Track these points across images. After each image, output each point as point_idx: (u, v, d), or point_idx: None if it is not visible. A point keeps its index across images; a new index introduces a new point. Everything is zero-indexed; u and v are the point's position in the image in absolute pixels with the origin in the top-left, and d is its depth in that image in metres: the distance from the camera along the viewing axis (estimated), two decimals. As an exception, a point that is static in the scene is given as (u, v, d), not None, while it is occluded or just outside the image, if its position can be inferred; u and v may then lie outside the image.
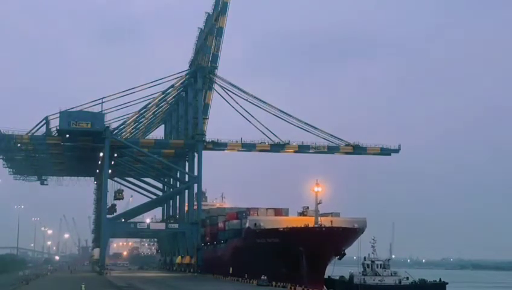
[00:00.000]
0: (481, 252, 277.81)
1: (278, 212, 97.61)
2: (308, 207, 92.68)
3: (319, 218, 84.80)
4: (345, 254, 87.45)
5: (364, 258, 78.78)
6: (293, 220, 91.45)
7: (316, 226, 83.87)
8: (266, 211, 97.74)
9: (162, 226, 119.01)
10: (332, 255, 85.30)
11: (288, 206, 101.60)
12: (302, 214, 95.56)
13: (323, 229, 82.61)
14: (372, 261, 77.10)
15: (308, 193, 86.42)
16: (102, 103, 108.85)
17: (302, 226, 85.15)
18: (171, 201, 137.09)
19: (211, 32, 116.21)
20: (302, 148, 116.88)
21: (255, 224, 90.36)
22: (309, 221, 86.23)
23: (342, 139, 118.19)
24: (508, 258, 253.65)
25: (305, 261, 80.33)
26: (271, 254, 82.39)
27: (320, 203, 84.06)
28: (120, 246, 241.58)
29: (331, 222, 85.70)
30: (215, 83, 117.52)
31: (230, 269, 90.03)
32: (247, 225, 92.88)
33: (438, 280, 79.61)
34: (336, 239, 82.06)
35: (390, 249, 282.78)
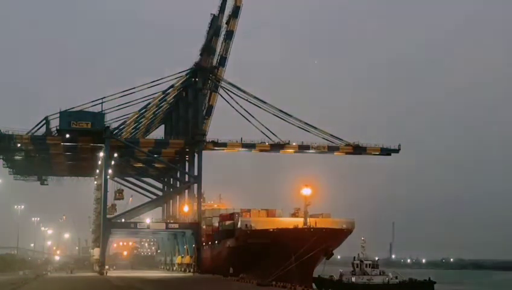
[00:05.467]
0: (482, 252, 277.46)
1: (270, 213, 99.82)
2: (299, 208, 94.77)
3: (308, 219, 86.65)
4: (332, 254, 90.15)
5: (354, 258, 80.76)
6: (283, 221, 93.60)
7: (305, 227, 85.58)
8: (258, 212, 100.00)
9: (162, 226, 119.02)
10: (320, 255, 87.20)
11: (286, 207, 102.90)
12: (294, 215, 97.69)
13: (311, 230, 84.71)
14: (361, 261, 79.18)
15: (299, 195, 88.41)
16: (102, 103, 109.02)
17: (292, 227, 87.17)
18: (171, 201, 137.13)
19: (216, 34, 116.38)
20: (302, 148, 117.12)
21: (246, 225, 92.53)
22: (299, 222, 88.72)
23: (342, 139, 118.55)
24: (509, 258, 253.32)
25: (294, 261, 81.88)
26: (261, 254, 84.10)
27: (309, 205, 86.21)
28: (120, 246, 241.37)
29: (315, 222, 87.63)
30: (218, 84, 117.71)
31: (231, 269, 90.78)
32: (239, 225, 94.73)
33: (427, 279, 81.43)
34: (324, 240, 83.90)
35: (390, 249, 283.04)
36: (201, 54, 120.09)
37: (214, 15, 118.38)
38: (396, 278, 79.53)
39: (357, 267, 79.33)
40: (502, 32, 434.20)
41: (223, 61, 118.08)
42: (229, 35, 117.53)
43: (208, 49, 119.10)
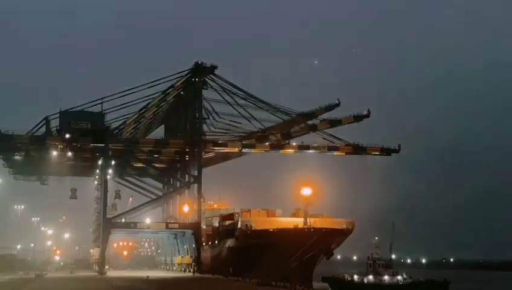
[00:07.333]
0: (481, 252, 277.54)
1: (270, 213, 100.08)
2: (299, 208, 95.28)
3: (308, 219, 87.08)
4: (332, 254, 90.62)
5: (368, 257, 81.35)
6: (283, 221, 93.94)
7: (305, 227, 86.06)
8: (258, 212, 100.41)
9: (162, 226, 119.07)
10: (320, 255, 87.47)
11: (286, 207, 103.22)
12: (294, 215, 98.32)
13: (311, 230, 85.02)
14: (374, 261, 79.56)
15: (299, 195, 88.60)
16: (102, 103, 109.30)
17: (292, 227, 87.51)
18: (171, 201, 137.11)
19: None
20: (302, 148, 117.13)
21: (246, 225, 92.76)
22: (299, 222, 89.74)
23: (342, 139, 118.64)
24: (509, 258, 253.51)
25: (294, 261, 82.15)
26: (262, 254, 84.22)
27: (309, 205, 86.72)
28: (120, 246, 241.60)
29: (313, 222, 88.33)
30: (216, 82, 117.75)
31: (230, 269, 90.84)
32: (239, 225, 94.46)
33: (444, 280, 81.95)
34: (324, 239, 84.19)
35: (390, 249, 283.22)
36: None
37: None
38: (410, 278, 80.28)
39: (370, 267, 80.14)
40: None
41: None
42: None
43: None
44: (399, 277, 78.80)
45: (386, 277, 78.13)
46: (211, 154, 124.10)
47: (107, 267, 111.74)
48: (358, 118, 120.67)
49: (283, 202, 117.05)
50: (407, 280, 79.28)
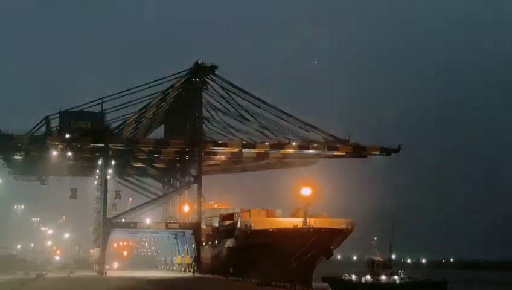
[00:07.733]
0: (481, 253, 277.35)
1: (269, 213, 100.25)
2: (299, 208, 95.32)
3: (308, 219, 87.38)
4: (332, 254, 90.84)
5: (367, 258, 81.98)
6: (283, 221, 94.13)
7: (305, 227, 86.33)
8: (258, 212, 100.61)
9: (162, 226, 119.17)
10: (320, 255, 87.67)
11: (286, 207, 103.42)
12: (294, 215, 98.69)
13: (311, 230, 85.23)
14: (373, 261, 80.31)
15: (299, 195, 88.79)
16: (102, 102, 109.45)
17: (292, 227, 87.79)
18: (171, 201, 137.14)
19: None
20: (302, 148, 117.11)
21: (246, 225, 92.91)
22: (299, 222, 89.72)
23: (342, 139, 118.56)
24: (509, 258, 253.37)
25: (294, 261, 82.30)
26: (261, 254, 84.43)
27: (308, 205, 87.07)
28: (120, 246, 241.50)
29: (313, 222, 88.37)
30: (215, 82, 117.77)
31: (231, 269, 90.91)
32: (239, 225, 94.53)
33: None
34: (323, 239, 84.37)
35: (391, 250, 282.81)
36: None
37: None
38: (409, 278, 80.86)
39: (369, 267, 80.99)
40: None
41: None
42: None
43: None
44: (396, 277, 79.47)
45: (383, 277, 78.83)
46: (211, 164, 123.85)
47: (107, 267, 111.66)
48: (357, 149, 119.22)
49: (283, 202, 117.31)
50: (405, 279, 79.91)
